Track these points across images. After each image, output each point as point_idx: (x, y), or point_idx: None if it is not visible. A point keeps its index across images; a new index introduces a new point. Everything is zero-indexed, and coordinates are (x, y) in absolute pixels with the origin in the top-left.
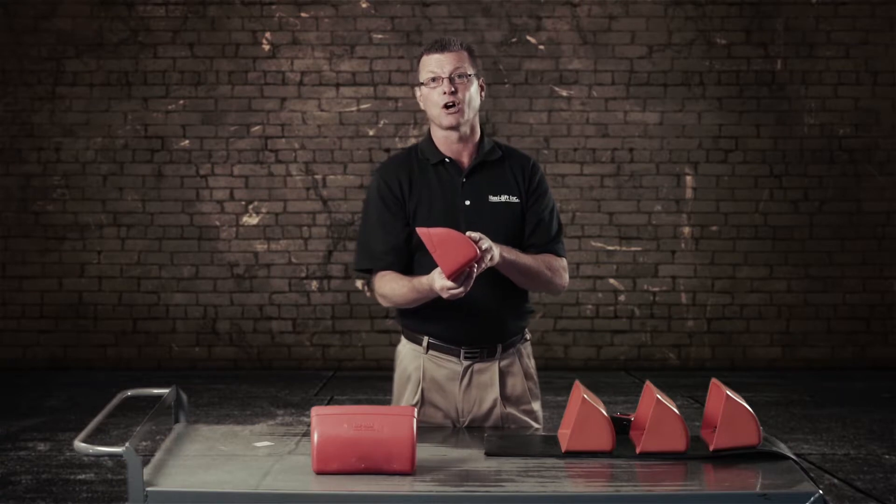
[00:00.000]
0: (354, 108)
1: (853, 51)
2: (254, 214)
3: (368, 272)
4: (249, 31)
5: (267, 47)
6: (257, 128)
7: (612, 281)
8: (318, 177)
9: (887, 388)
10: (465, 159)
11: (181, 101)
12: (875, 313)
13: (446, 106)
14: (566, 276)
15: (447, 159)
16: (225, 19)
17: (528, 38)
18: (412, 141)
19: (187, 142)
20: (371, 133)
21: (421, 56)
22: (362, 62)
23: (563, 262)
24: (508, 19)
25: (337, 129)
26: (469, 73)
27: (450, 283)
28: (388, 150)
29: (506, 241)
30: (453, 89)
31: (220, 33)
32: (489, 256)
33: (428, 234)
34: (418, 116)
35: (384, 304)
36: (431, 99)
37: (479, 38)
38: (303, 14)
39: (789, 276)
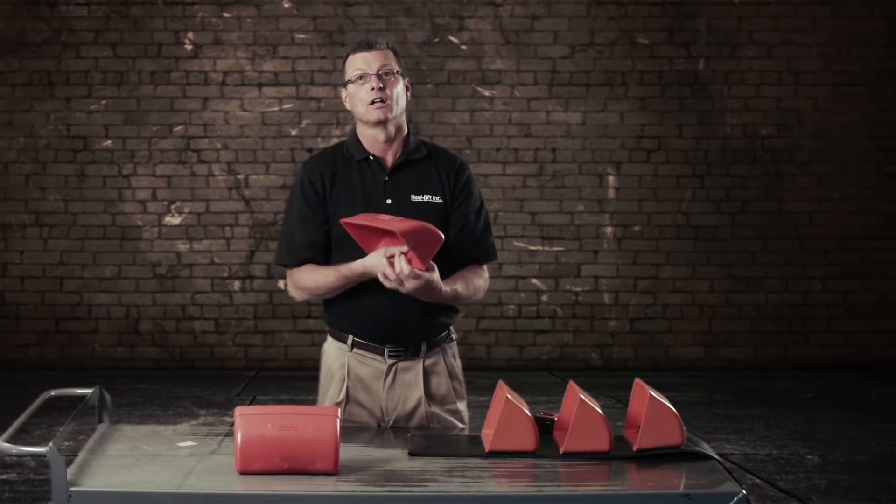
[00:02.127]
0: (277, 108)
1: (775, 51)
2: (176, 214)
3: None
4: (172, 31)
5: (189, 47)
6: (180, 128)
7: (534, 281)
8: (241, 177)
9: (810, 388)
10: (390, 157)
11: (104, 101)
12: (797, 313)
13: (374, 102)
14: (484, 288)
15: (371, 157)
16: (147, 19)
17: (451, 38)
18: (334, 141)
19: (110, 142)
20: (293, 133)
21: (347, 56)
22: (284, 62)
23: (486, 273)
24: (431, 19)
25: (259, 129)
26: (396, 70)
27: (418, 272)
28: (310, 150)
29: None
30: (381, 86)
31: (143, 33)
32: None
33: (409, 233)
34: (341, 116)
35: (300, 296)
36: (359, 96)
37: (402, 38)
38: (225, 14)
39: (712, 276)
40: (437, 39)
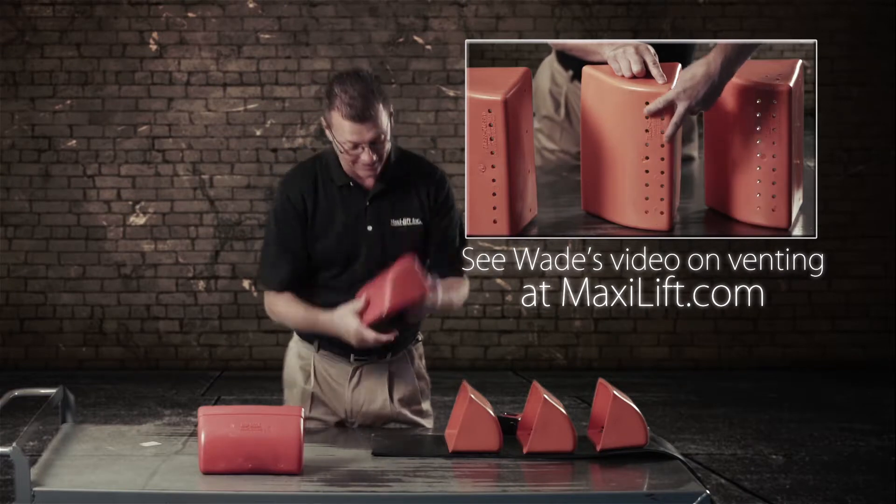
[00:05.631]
0: (241, 108)
1: None
2: (141, 214)
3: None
4: (136, 31)
5: (154, 47)
6: (144, 128)
7: (499, 281)
8: (205, 177)
9: (774, 387)
10: (370, 181)
11: (68, 101)
12: (762, 313)
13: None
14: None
15: (352, 183)
16: (112, 19)
17: (415, 38)
18: (299, 141)
19: (74, 142)
20: (258, 133)
21: (332, 111)
22: (249, 62)
23: (466, 281)
24: (395, 19)
25: (224, 129)
26: (387, 131)
27: (372, 334)
28: (274, 150)
29: None
30: (375, 157)
31: (108, 33)
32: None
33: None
34: (305, 116)
35: (273, 318)
36: (348, 156)
37: (366, 38)
38: (190, 14)
39: (677, 276)
40: (401, 39)
